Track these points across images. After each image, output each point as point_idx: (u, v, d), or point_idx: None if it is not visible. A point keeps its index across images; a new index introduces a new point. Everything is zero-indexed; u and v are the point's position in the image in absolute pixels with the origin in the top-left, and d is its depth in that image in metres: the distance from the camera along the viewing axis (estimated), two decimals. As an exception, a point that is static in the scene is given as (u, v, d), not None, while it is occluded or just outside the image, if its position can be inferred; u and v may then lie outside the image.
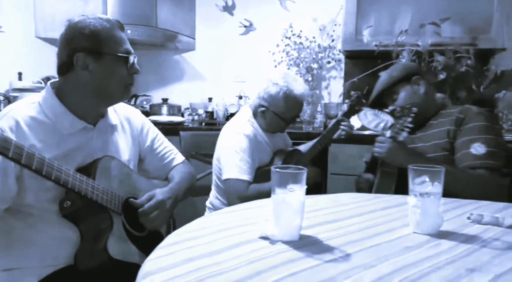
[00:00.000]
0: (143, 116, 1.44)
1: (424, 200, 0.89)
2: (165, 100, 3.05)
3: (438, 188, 0.89)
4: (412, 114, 1.48)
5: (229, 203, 1.75)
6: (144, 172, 1.40)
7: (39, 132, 1.09)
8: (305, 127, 2.76)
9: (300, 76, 2.99)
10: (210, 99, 3.14)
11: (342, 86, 3.00)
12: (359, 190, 1.70)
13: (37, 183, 1.05)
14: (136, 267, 0.71)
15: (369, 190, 1.63)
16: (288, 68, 3.03)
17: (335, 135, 1.84)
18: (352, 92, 1.88)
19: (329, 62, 3.04)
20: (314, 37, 3.01)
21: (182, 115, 3.09)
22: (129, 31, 2.92)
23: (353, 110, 1.86)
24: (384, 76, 1.66)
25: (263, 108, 1.78)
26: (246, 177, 1.69)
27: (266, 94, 1.77)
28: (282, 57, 3.05)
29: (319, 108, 2.92)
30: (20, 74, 2.77)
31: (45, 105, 1.13)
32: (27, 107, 1.11)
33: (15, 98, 2.51)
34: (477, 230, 0.93)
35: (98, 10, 2.78)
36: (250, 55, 3.19)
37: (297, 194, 0.82)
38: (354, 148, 2.31)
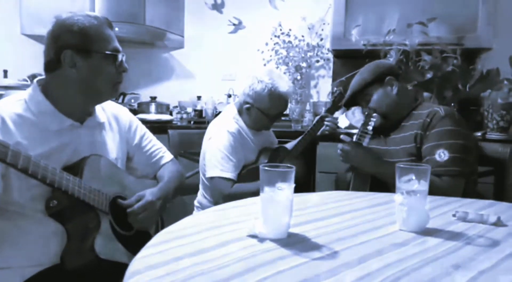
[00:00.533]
0: (131, 114, 1.43)
1: (410, 198, 0.90)
2: (153, 99, 3.03)
3: (424, 185, 0.90)
4: (373, 119, 1.52)
5: (214, 202, 1.75)
6: (132, 171, 1.40)
7: (25, 129, 1.07)
8: (294, 126, 2.77)
9: (289, 75, 3.00)
10: (199, 98, 3.13)
11: (330, 85, 3.02)
12: (337, 188, 1.71)
13: (23, 181, 1.04)
14: (124, 266, 0.71)
15: (347, 189, 1.64)
16: (277, 67, 3.03)
17: (319, 132, 1.90)
18: (335, 89, 1.91)
19: (317, 61, 3.05)
20: (303, 36, 3.02)
21: (171, 114, 3.07)
22: (117, 29, 2.89)
23: (336, 106, 1.91)
24: (356, 78, 1.65)
25: (248, 105, 1.79)
26: (229, 175, 1.69)
27: (251, 91, 1.78)
28: (271, 56, 3.05)
29: (307, 107, 2.94)
30: (5, 71, 2.73)
31: (31, 103, 1.12)
32: (13, 105, 1.10)
33: (0, 96, 2.47)
34: (462, 227, 0.95)
35: (85, 7, 2.75)
36: (239, 54, 3.18)
37: (285, 192, 0.82)
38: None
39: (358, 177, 1.58)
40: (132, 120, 1.41)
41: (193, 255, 0.73)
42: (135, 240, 1.22)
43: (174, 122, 2.91)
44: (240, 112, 1.84)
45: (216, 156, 1.71)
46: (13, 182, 1.05)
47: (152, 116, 2.84)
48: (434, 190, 1.37)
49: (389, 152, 1.56)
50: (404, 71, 2.32)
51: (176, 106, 3.14)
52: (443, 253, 0.77)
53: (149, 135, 1.45)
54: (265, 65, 3.06)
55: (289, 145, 1.99)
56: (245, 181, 1.72)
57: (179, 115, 3.00)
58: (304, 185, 1.98)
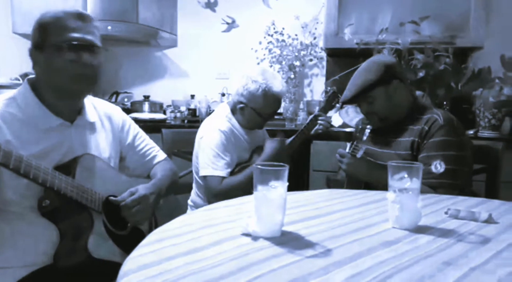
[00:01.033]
0: (124, 113, 1.42)
1: (403, 196, 0.91)
2: (146, 98, 3.02)
3: (416, 183, 0.91)
4: (365, 135, 1.52)
5: (207, 200, 1.75)
6: (125, 170, 1.39)
7: (16, 128, 1.07)
8: (288, 125, 2.78)
9: (283, 73, 3.00)
10: (192, 97, 3.12)
11: (324, 84, 3.02)
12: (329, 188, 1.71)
13: (15, 181, 1.03)
14: (117, 265, 0.70)
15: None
16: (271, 66, 3.03)
17: (313, 131, 1.91)
18: (328, 88, 1.91)
19: (311, 60, 3.06)
20: (296, 35, 3.03)
21: (164, 113, 3.06)
22: (109, 27, 2.88)
23: (329, 105, 1.91)
24: (360, 76, 1.57)
25: (242, 105, 1.79)
26: (221, 173, 1.69)
27: (245, 91, 1.78)
28: (264, 55, 3.05)
29: (301, 106, 2.94)
30: (-3, 70, 2.71)
31: (21, 101, 1.11)
32: (3, 103, 1.10)
33: (-8, 95, 2.45)
34: (453, 225, 0.96)
35: (78, 6, 2.73)
36: (232, 52, 3.18)
37: (278, 191, 0.83)
38: (335, 144, 2.33)
39: (353, 179, 1.58)
40: (125, 119, 1.40)
41: (186, 254, 0.73)
42: (128, 239, 1.22)
43: (167, 121, 2.91)
44: (233, 111, 1.84)
45: (208, 155, 1.71)
46: (5, 182, 1.04)
47: (146, 115, 2.83)
48: None
49: (384, 154, 1.55)
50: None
51: (170, 105, 3.13)
52: (435, 250, 0.78)
53: (142, 134, 1.44)
54: (258, 64, 3.06)
55: None
56: None
57: (172, 114, 2.99)
58: (298, 183, 1.98)
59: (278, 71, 3.00)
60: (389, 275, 0.66)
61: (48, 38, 1.09)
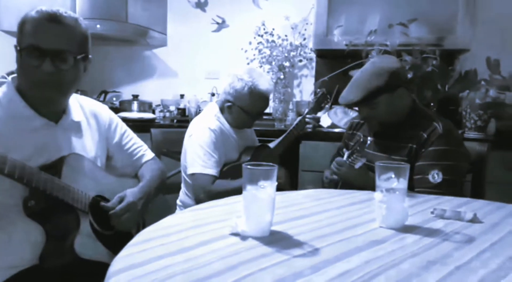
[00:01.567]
0: (111, 112, 1.41)
1: (390, 196, 0.92)
2: (135, 97, 2.99)
3: (403, 183, 0.92)
4: (368, 144, 1.52)
5: (195, 198, 1.74)
6: (112, 169, 1.37)
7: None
8: (277, 125, 2.78)
9: (272, 74, 3.00)
10: (182, 96, 3.11)
11: (313, 85, 3.04)
12: (323, 187, 1.72)
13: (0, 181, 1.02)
14: (105, 266, 0.70)
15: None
16: (261, 66, 3.04)
17: (302, 131, 1.92)
18: (318, 90, 1.92)
19: (300, 61, 3.07)
20: (286, 36, 3.03)
21: (153, 112, 3.05)
22: (98, 26, 2.86)
23: (319, 106, 1.92)
24: (365, 82, 1.51)
25: (229, 103, 1.80)
26: (210, 171, 1.69)
27: (232, 89, 1.78)
28: (254, 55, 3.05)
29: (290, 106, 2.95)
30: (-18, 68, 2.66)
31: (5, 101, 1.10)
32: None
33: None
34: (439, 224, 0.97)
35: (66, 4, 2.70)
36: (222, 52, 3.17)
37: (267, 191, 0.83)
38: (324, 145, 2.35)
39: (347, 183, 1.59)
40: (112, 118, 1.39)
41: (175, 254, 0.73)
42: (116, 239, 1.21)
43: (156, 121, 2.89)
44: (221, 110, 1.84)
45: (198, 153, 1.71)
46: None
47: (134, 114, 2.81)
48: None
49: (379, 158, 1.54)
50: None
51: (159, 105, 3.12)
52: (421, 250, 0.79)
53: (130, 133, 1.43)
54: (248, 64, 3.06)
55: (272, 144, 2.00)
56: (227, 178, 1.72)
57: (161, 114, 2.98)
58: (287, 183, 1.99)
59: (268, 72, 3.01)
60: (376, 274, 0.67)
61: (22, 39, 1.07)
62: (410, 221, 0.95)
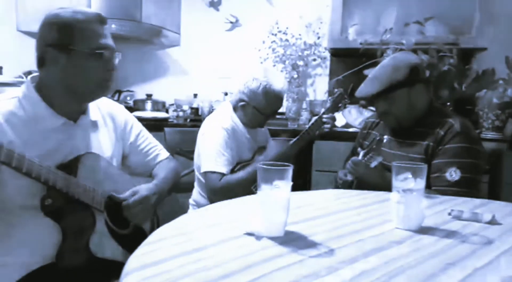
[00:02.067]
0: (127, 112, 1.42)
1: (407, 196, 0.91)
2: (149, 96, 3.02)
3: (420, 184, 0.91)
4: (384, 142, 1.50)
5: (209, 197, 1.75)
6: (127, 168, 1.39)
7: (18, 128, 1.06)
8: (290, 124, 2.78)
9: (286, 73, 3.00)
10: (195, 96, 3.12)
11: (327, 84, 3.02)
12: (337, 188, 1.70)
13: (18, 180, 1.03)
14: (120, 264, 0.70)
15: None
16: (274, 65, 3.03)
17: (318, 131, 1.88)
18: (335, 90, 1.90)
19: (314, 60, 3.05)
20: (300, 35, 3.02)
21: (167, 111, 3.07)
22: (113, 26, 2.88)
23: (336, 107, 1.91)
24: (384, 76, 1.50)
25: (243, 103, 1.81)
26: (221, 169, 1.69)
27: (246, 89, 1.80)
28: (268, 54, 3.05)
29: (304, 106, 2.94)
30: (0, 68, 2.71)
31: (25, 101, 1.11)
32: (6, 102, 1.09)
33: (-5, 93, 2.45)
34: (457, 226, 0.95)
35: (82, 3, 2.73)
36: (235, 52, 3.18)
37: (282, 191, 0.82)
38: (338, 144, 2.33)
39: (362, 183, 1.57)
40: (128, 118, 1.40)
41: (189, 253, 0.73)
42: (130, 238, 1.22)
43: (170, 120, 2.91)
44: (235, 109, 1.85)
45: (210, 151, 1.71)
46: (7, 180, 1.04)
47: (148, 113, 2.83)
48: None
49: (396, 156, 1.52)
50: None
51: (172, 104, 3.13)
52: (439, 251, 0.78)
53: (145, 133, 1.44)
54: (261, 63, 3.06)
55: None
56: None
57: (175, 113, 2.99)
58: (299, 183, 1.98)
59: (281, 71, 3.00)
60: (394, 274, 0.66)
61: (76, 42, 1.08)
62: (427, 222, 0.94)
